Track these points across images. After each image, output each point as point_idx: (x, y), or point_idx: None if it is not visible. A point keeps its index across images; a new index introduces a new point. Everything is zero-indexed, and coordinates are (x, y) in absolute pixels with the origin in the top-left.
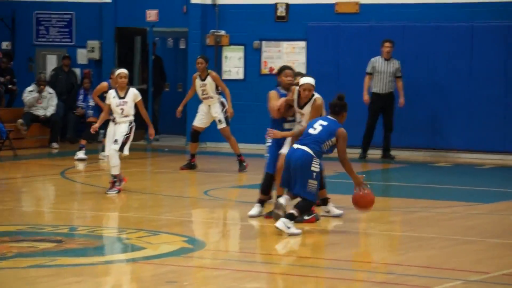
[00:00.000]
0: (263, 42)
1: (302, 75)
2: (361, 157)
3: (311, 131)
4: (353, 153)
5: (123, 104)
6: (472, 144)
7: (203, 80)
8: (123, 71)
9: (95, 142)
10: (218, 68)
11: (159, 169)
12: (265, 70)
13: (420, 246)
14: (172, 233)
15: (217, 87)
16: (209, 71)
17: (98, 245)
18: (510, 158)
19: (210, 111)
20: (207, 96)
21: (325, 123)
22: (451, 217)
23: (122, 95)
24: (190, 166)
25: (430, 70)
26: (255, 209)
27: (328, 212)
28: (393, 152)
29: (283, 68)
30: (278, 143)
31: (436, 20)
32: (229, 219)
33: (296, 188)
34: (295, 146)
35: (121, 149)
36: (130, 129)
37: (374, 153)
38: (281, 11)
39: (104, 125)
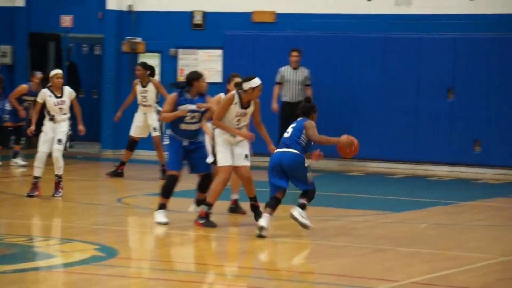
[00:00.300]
0: (180, 50)
1: (238, 76)
2: None
3: (285, 135)
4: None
5: (61, 103)
6: (383, 153)
7: (144, 86)
8: (59, 71)
9: (7, 148)
10: (133, 75)
11: (72, 176)
12: (181, 78)
13: (333, 255)
14: (84, 241)
15: (157, 95)
16: (150, 78)
17: (8, 253)
18: (420, 167)
19: (146, 119)
20: (146, 104)
21: (294, 124)
22: (363, 226)
23: (58, 94)
24: (117, 173)
25: (344, 80)
26: (160, 216)
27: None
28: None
29: (200, 75)
30: (177, 141)
31: (351, 31)
32: (142, 227)
33: (300, 185)
34: (281, 150)
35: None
36: (69, 126)
37: None
38: (197, 19)
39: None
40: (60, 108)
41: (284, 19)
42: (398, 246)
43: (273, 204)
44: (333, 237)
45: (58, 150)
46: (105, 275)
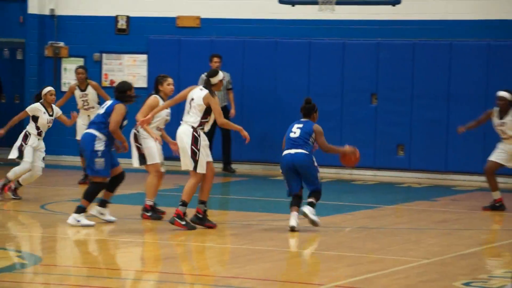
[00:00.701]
0: (104, 55)
1: (168, 77)
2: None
3: (292, 135)
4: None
5: (51, 121)
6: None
7: (83, 90)
8: (52, 89)
9: None
10: (57, 80)
11: None
12: (105, 83)
13: (258, 259)
14: (6, 248)
15: (98, 96)
16: (88, 80)
17: None
18: (345, 172)
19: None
20: (88, 107)
21: (301, 125)
22: (288, 230)
23: (50, 112)
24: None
25: (269, 84)
26: (85, 219)
27: (102, 214)
28: (233, 166)
29: (164, 77)
30: (109, 147)
31: (276, 36)
32: (66, 233)
33: (311, 185)
34: (292, 151)
35: None
36: None
37: (216, 166)
38: (121, 24)
39: None
40: (49, 126)
41: (209, 24)
42: (322, 250)
43: (297, 202)
44: (258, 241)
45: (41, 168)
46: (28, 282)
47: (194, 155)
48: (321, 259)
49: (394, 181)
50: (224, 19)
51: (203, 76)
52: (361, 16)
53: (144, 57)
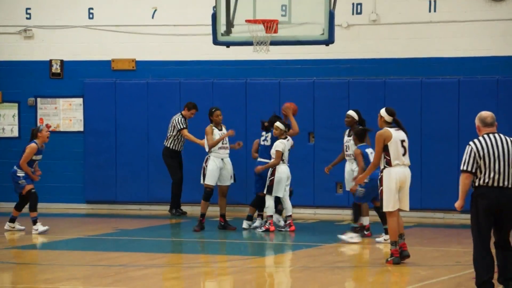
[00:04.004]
0: (38, 99)
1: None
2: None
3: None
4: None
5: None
6: (248, 198)
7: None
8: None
9: None
10: None
11: None
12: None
13: None
14: None
15: None
16: None
17: None
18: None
19: None
20: None
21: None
22: (230, 271)
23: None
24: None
25: (208, 124)
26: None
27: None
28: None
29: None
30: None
31: (212, 77)
32: None
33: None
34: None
35: None
36: None
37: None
38: (56, 68)
39: None
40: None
41: (144, 67)
42: None
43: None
44: (199, 284)
45: None
46: None
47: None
48: None
49: (333, 218)
50: (159, 61)
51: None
52: (295, 56)
53: (79, 100)
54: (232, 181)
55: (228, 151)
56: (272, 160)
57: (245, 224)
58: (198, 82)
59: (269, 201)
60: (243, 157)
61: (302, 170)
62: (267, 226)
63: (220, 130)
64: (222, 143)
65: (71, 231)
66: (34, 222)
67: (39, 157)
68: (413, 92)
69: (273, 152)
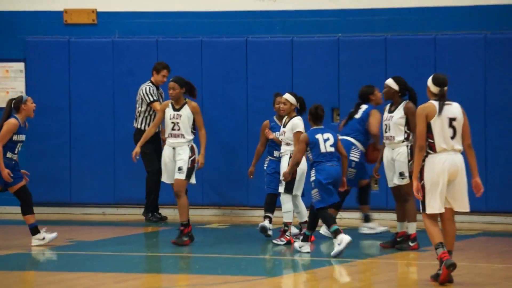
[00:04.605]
0: None
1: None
2: None
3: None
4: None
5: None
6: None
7: None
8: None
9: None
10: None
11: None
12: None
13: None
14: None
15: None
16: None
17: None
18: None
19: None
20: None
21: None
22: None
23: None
24: None
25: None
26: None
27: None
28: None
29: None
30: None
31: (200, 34)
32: None
33: None
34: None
35: None
36: None
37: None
38: None
39: None
40: None
41: (109, 20)
42: None
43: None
44: None
45: None
46: None
47: None
48: None
49: None
50: (129, 13)
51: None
52: (313, 5)
53: (20, 65)
54: (179, 176)
55: (182, 139)
56: (293, 149)
57: (365, 229)
58: (181, 41)
59: (289, 203)
60: (244, 151)
61: None
62: (287, 237)
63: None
64: (173, 128)
65: (9, 244)
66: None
67: (22, 137)
68: (473, 51)
69: (289, 136)
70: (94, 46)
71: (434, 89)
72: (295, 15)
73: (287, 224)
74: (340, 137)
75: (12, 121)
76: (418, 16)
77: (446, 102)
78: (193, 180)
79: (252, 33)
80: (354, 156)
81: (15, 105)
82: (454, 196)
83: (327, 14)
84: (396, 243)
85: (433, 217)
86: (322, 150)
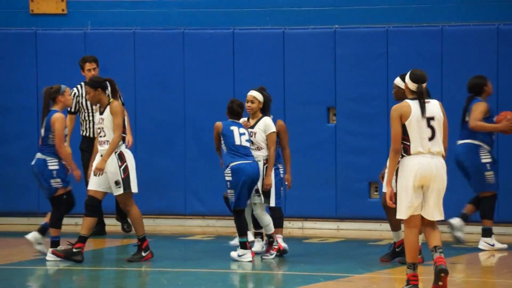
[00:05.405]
0: None
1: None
2: None
3: None
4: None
5: None
6: None
7: None
8: None
9: None
10: None
11: None
12: None
13: None
14: None
15: None
16: None
17: None
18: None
19: None
20: None
21: None
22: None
23: None
24: None
25: (179, 97)
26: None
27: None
28: None
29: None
30: None
31: (182, 25)
32: None
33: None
34: None
35: None
36: None
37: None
38: None
39: None
40: None
41: (80, 10)
42: None
43: None
44: None
45: None
46: None
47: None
48: None
49: (366, 236)
50: (102, 2)
51: None
52: None
53: None
54: (118, 191)
55: (107, 146)
56: (268, 152)
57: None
58: (161, 33)
59: (266, 215)
60: None
61: (319, 164)
62: (275, 247)
63: None
64: (99, 135)
65: None
66: (56, 244)
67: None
68: (484, 44)
69: (261, 138)
70: (64, 39)
71: (412, 86)
72: (287, 4)
73: (271, 236)
74: (461, 142)
75: (57, 116)
76: (423, 5)
77: (426, 100)
78: (134, 189)
79: (239, 24)
80: (485, 158)
81: (52, 95)
82: (424, 202)
83: (322, 3)
84: (395, 254)
85: (411, 224)
86: (237, 142)
